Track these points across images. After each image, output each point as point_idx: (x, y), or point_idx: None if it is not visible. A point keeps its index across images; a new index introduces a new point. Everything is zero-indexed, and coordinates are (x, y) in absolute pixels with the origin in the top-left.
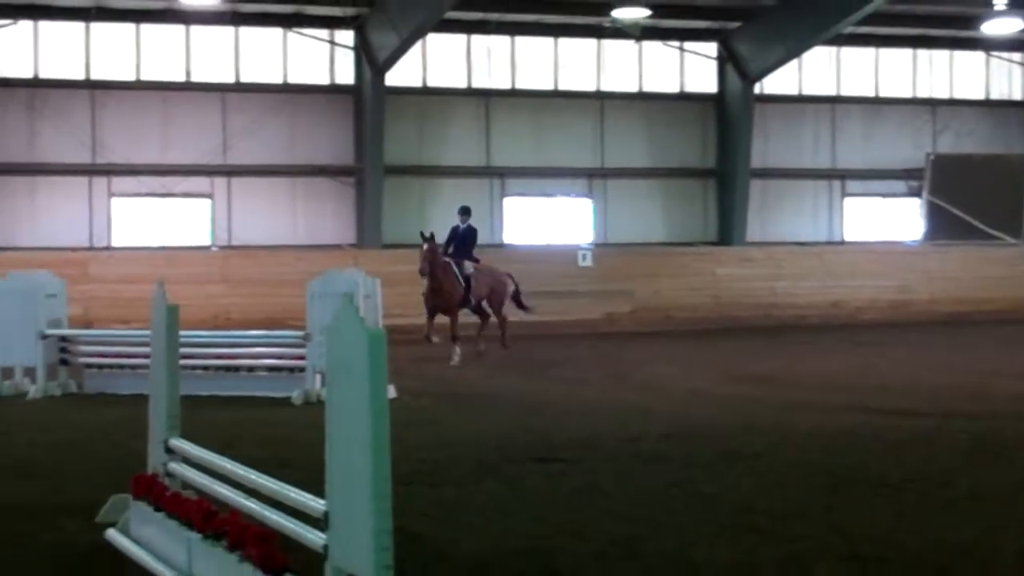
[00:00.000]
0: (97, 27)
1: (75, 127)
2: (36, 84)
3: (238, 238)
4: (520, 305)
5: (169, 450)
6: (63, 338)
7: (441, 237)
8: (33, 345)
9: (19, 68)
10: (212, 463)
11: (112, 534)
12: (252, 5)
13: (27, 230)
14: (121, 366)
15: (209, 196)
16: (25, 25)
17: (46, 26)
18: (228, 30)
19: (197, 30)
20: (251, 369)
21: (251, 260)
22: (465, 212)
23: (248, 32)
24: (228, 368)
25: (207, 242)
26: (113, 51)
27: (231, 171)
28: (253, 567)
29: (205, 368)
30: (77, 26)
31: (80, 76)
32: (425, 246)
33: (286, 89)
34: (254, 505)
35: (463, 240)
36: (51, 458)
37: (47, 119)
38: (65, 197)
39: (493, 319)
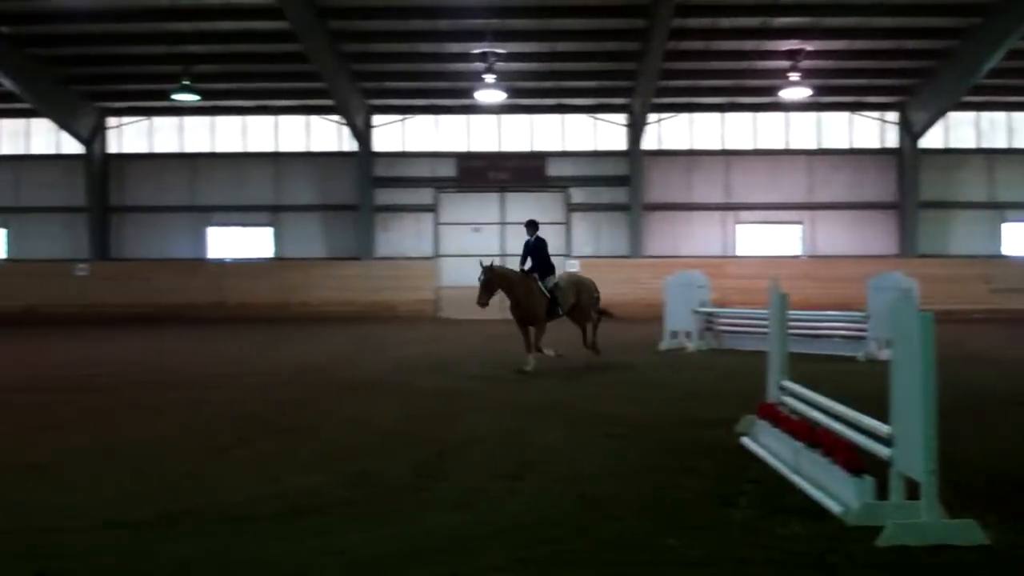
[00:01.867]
0: (729, 116)
1: (714, 179)
2: (690, 154)
3: (819, 250)
4: (603, 313)
5: (781, 388)
6: (708, 313)
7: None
8: (690, 317)
9: (679, 144)
10: (809, 397)
11: (745, 440)
12: (828, 97)
13: (685, 245)
14: (744, 331)
15: (799, 223)
16: (683, 116)
17: (697, 116)
18: (812, 114)
19: (792, 115)
20: (829, 336)
21: (826, 264)
22: (531, 225)
23: (826, 115)
24: (814, 335)
25: (798, 252)
26: (738, 131)
27: (814, 206)
28: (840, 468)
29: (800, 335)
30: (715, 116)
31: (718, 147)
32: (482, 276)
33: (850, 152)
34: (838, 426)
35: (535, 253)
36: (703, 388)
37: (697, 175)
38: (708, 224)
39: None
